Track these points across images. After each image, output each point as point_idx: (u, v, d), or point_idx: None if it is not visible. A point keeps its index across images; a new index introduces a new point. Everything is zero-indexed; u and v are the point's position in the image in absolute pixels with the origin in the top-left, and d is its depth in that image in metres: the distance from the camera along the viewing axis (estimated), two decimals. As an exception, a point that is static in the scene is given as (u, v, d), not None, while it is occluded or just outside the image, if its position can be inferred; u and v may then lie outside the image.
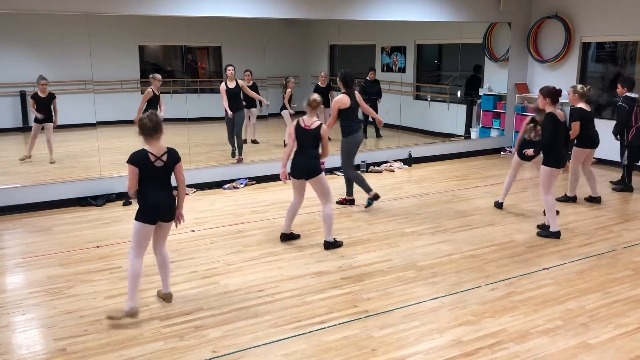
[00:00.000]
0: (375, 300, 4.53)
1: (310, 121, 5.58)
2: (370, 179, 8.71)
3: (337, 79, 7.03)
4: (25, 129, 9.03)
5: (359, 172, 7.21)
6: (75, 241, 6.02)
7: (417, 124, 11.72)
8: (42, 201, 7.19)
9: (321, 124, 5.61)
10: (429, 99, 11.82)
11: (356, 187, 7.14)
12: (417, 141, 10.81)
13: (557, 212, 6.20)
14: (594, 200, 7.40)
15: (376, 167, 9.47)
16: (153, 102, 9.50)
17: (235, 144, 9.18)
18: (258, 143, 10.67)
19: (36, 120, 8.79)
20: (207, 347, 3.84)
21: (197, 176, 8.05)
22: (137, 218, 4.19)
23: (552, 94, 5.90)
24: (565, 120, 6.10)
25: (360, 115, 8.03)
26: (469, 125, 11.39)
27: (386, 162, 9.77)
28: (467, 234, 6.18)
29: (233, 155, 9.21)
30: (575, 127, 6.95)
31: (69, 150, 10.06)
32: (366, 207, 7.09)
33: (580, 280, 4.96)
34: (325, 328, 4.09)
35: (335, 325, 4.13)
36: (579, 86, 7.20)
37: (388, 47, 12.14)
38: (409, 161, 9.85)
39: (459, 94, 11.69)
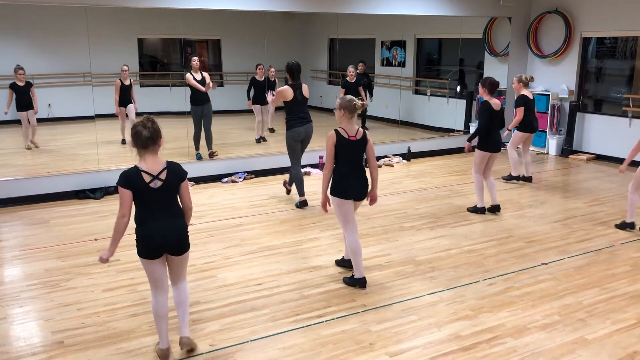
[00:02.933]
0: (374, 295, 4.53)
1: (352, 130, 4.51)
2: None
3: (285, 70, 6.82)
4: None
5: (303, 172, 7.04)
6: (73, 234, 6.01)
7: (417, 119, 11.72)
8: (40, 194, 7.18)
9: (365, 131, 4.59)
10: (428, 94, 11.81)
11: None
12: (416, 136, 10.80)
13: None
14: (527, 179, 8.16)
15: (375, 162, 9.45)
16: (125, 93, 9.47)
17: (204, 140, 8.80)
18: (266, 140, 10.48)
19: (19, 109, 8.94)
20: (204, 340, 3.84)
21: (196, 169, 8.04)
22: (137, 252, 3.47)
23: (491, 85, 6.54)
24: (499, 110, 6.55)
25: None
26: (468, 120, 11.37)
27: (385, 156, 9.75)
28: (465, 229, 6.18)
29: (199, 157, 8.67)
30: (519, 113, 7.81)
31: (68, 143, 10.06)
32: (296, 206, 6.96)
33: (579, 275, 4.96)
34: (323, 322, 4.09)
35: (333, 319, 4.13)
36: (524, 75, 7.95)
37: (388, 41, 12.12)
38: (408, 156, 9.84)
39: (458, 89, 11.69)
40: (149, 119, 3.40)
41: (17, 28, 9.69)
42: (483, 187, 6.74)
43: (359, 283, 4.67)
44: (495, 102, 6.52)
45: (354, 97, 4.49)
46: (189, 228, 3.63)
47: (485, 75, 11.32)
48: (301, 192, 6.95)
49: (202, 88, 8.61)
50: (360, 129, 4.55)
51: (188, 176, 3.59)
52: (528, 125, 7.93)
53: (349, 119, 4.46)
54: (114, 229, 3.45)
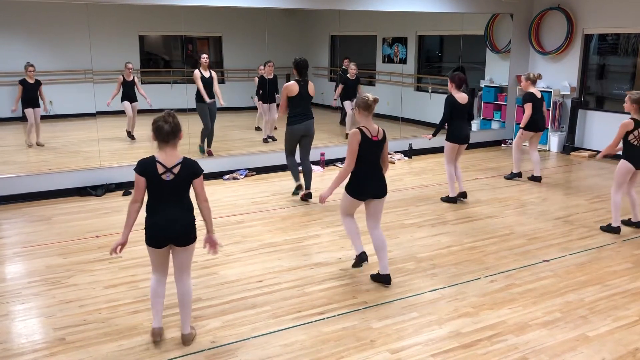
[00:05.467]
0: (375, 292, 4.53)
1: (374, 129, 4.45)
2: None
3: (293, 66, 6.85)
4: (25, 118, 9.03)
5: (297, 161, 7.10)
6: (74, 231, 6.02)
7: (418, 116, 11.70)
8: (41, 191, 7.18)
9: (384, 131, 4.54)
10: (430, 91, 11.79)
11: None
12: (417, 133, 10.76)
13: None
14: (536, 179, 8.05)
15: (376, 159, 9.45)
16: (128, 89, 9.50)
17: (206, 138, 8.93)
18: (276, 140, 10.27)
19: (26, 106, 8.92)
20: (206, 337, 3.84)
21: (197, 167, 8.03)
22: (145, 240, 3.58)
23: (459, 80, 6.79)
24: (466, 104, 6.81)
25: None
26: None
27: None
28: (466, 226, 6.18)
29: (202, 151, 8.87)
30: (528, 109, 7.76)
31: (69, 140, 10.06)
32: (293, 194, 7.24)
33: (580, 272, 4.96)
34: (324, 319, 4.09)
35: (334, 316, 4.13)
36: (531, 73, 7.92)
37: (389, 38, 12.10)
38: (410, 153, 9.84)
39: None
40: (169, 114, 3.52)
41: (18, 25, 9.69)
42: (454, 177, 7.05)
43: (359, 259, 4.75)
44: (461, 96, 6.77)
45: (368, 94, 4.46)
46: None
47: (487, 73, 11.41)
48: (297, 177, 7.14)
49: (203, 93, 8.68)
50: (381, 128, 4.50)
51: None
52: (533, 123, 7.80)
53: (366, 116, 4.43)
54: (127, 214, 3.57)
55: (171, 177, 3.47)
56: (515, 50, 10.71)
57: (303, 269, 4.99)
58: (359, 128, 4.41)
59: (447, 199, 7.08)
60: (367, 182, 4.49)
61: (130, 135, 9.93)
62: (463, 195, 7.06)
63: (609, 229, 6.01)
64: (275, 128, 10.78)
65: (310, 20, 12.44)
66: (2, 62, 9.33)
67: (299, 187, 7.17)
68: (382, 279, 4.66)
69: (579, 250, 5.48)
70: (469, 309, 4.25)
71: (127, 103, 9.71)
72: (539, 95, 7.86)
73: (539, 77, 7.97)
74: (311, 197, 7.07)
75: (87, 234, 5.92)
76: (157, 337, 3.75)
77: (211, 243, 3.70)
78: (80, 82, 9.35)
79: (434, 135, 7.06)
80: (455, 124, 6.87)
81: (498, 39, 11.05)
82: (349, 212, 4.70)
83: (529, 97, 7.76)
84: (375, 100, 4.43)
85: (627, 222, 6.11)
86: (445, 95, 6.95)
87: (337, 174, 4.56)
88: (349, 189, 4.55)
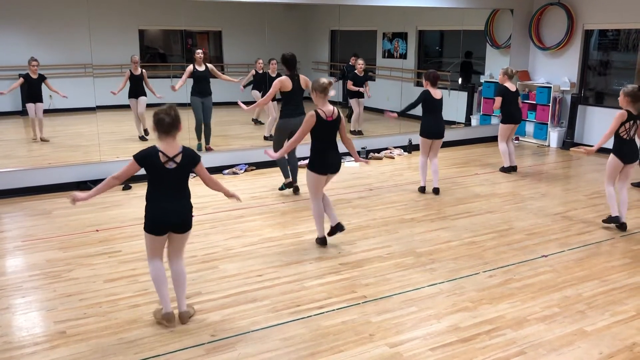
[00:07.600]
0: (374, 286, 4.55)
1: (329, 110, 4.99)
2: (370, 165, 8.72)
3: (281, 62, 6.97)
4: (25, 112, 9.03)
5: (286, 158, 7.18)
6: (75, 225, 6.03)
7: (418, 111, 11.67)
8: (41, 185, 7.19)
9: (339, 112, 5.09)
10: (429, 86, 11.78)
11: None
12: (417, 128, 10.75)
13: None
14: (512, 169, 8.39)
15: (376, 154, 9.47)
16: (135, 83, 9.41)
17: (203, 134, 8.86)
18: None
19: (27, 101, 8.89)
20: (205, 331, 3.86)
21: (197, 161, 8.04)
22: (144, 227, 3.76)
23: (434, 78, 7.00)
24: (440, 99, 7.02)
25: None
26: (469, 112, 11.36)
27: (386, 148, 9.76)
28: (466, 221, 6.19)
29: (199, 148, 8.74)
30: (497, 102, 8.18)
31: (69, 134, 10.06)
32: (279, 189, 7.34)
33: (578, 268, 4.98)
34: (323, 313, 4.11)
35: (333, 310, 4.15)
36: (509, 68, 8.28)
37: (389, 33, 12.08)
38: (409, 148, 9.84)
39: (460, 81, 11.67)
40: (171, 107, 3.67)
41: (18, 19, 9.66)
42: (426, 168, 7.32)
43: (319, 242, 5.37)
44: (435, 92, 7.01)
45: (324, 79, 4.96)
46: (193, 219, 3.82)
47: (487, 68, 11.40)
48: (285, 174, 7.26)
49: (178, 85, 8.69)
50: (335, 109, 5.02)
51: None
52: (510, 116, 8.21)
53: (322, 99, 4.95)
54: (104, 181, 3.79)
55: (174, 165, 3.65)
56: (515, 46, 10.70)
57: (302, 264, 5.01)
58: (315, 111, 4.94)
59: (421, 189, 7.34)
60: (327, 157, 5.05)
61: (142, 137, 9.59)
62: (435, 191, 7.23)
63: (609, 220, 6.01)
64: (262, 122, 10.73)
65: (311, 15, 12.42)
66: (2, 55, 9.31)
67: (287, 184, 7.26)
68: (337, 228, 5.30)
69: (578, 246, 5.50)
70: (468, 303, 4.27)
71: (132, 100, 9.49)
72: (513, 89, 8.18)
73: (516, 73, 8.32)
74: (298, 191, 7.19)
75: (87, 228, 5.94)
76: (172, 321, 3.85)
77: (236, 197, 4.13)
78: (80, 76, 9.33)
79: (400, 113, 7.35)
80: (429, 120, 7.09)
81: (498, 35, 11.04)
82: (318, 191, 5.15)
83: (500, 91, 8.16)
84: (330, 84, 4.95)
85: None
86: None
87: (288, 143, 5.24)
88: (313, 167, 5.06)
